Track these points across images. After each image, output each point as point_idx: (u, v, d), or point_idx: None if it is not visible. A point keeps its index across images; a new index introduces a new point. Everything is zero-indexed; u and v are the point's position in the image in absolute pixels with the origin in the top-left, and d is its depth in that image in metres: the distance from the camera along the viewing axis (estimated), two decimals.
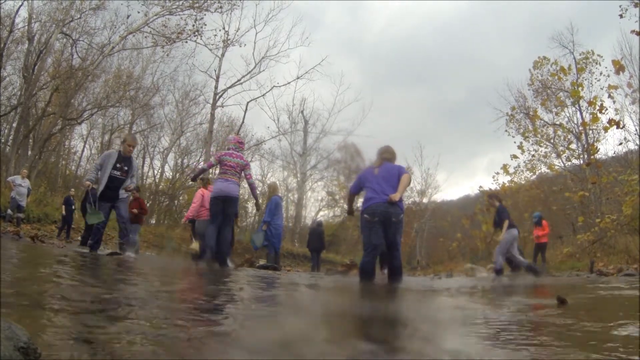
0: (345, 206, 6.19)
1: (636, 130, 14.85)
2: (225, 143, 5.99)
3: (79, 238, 10.56)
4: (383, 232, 3.92)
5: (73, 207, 10.62)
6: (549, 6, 33.40)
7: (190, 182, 12.70)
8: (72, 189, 11.94)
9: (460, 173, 48.05)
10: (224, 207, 5.29)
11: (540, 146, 18.15)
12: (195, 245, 7.27)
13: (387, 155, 4.37)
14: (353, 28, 45.68)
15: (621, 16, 12.66)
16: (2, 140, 17.08)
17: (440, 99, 45.04)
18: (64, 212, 10.39)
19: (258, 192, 8.44)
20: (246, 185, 6.04)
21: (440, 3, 46.44)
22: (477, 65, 43.31)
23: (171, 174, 23.56)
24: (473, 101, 45.70)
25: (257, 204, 6.31)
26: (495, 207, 7.33)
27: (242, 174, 5.48)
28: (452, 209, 27.76)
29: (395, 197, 3.90)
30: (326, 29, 44.21)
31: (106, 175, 5.42)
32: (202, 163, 5.93)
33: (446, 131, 42.69)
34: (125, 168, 5.49)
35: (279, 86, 20.10)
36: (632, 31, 12.55)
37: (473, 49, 45.56)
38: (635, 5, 12.15)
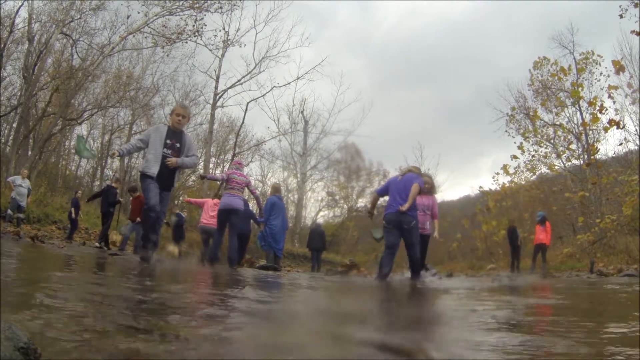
0: (364, 206, 7.29)
1: (636, 130, 14.86)
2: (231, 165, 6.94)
3: (76, 239, 10.57)
4: (400, 235, 4.79)
5: (79, 210, 10.62)
6: (557, 7, 33.34)
7: (199, 179, 13.76)
8: (79, 192, 11.91)
9: (465, 173, 48.05)
10: (230, 218, 6.01)
11: (541, 146, 18.19)
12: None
13: (412, 169, 5.27)
14: (361, 27, 45.69)
15: (621, 16, 12.69)
16: (2, 141, 17.10)
17: (446, 99, 45.01)
18: (74, 215, 10.26)
19: (259, 192, 9.19)
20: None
21: (449, 3, 46.38)
22: (484, 66, 43.30)
23: None
24: (479, 101, 45.75)
25: (260, 214, 7.20)
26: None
27: (247, 189, 6.40)
28: (452, 209, 27.71)
29: (404, 207, 4.68)
30: (336, 28, 44.29)
31: (159, 154, 4.45)
32: (221, 175, 6.80)
33: (452, 131, 42.67)
34: (178, 145, 4.57)
35: (279, 86, 20.10)
36: (632, 31, 12.57)
37: (481, 50, 45.53)
38: (635, 6, 12.17)
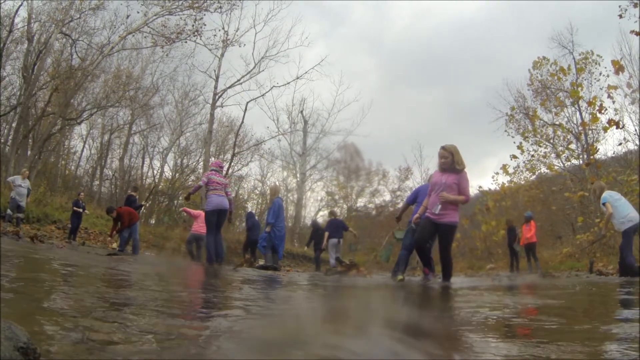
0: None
1: (635, 130, 14.87)
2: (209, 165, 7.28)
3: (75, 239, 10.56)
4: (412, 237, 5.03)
5: (81, 210, 10.64)
6: (568, 6, 33.11)
7: (183, 201, 13.78)
8: (82, 193, 11.92)
9: (471, 173, 47.62)
10: (219, 218, 6.24)
11: (540, 146, 18.17)
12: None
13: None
14: (375, 26, 45.57)
15: (621, 16, 12.70)
16: (2, 140, 17.07)
17: (456, 99, 44.66)
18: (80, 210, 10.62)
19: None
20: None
21: (461, 3, 46.15)
22: (495, 66, 43.04)
23: (171, 174, 23.56)
24: (489, 102, 45.47)
25: (230, 217, 6.88)
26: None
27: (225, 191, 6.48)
28: None
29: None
30: (350, 27, 44.29)
31: None
32: (200, 182, 6.77)
33: (460, 131, 42.33)
34: None
35: (279, 86, 20.05)
36: (632, 31, 12.58)
37: (493, 50, 45.24)
38: (635, 6, 12.18)
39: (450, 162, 4.37)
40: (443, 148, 4.45)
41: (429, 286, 4.41)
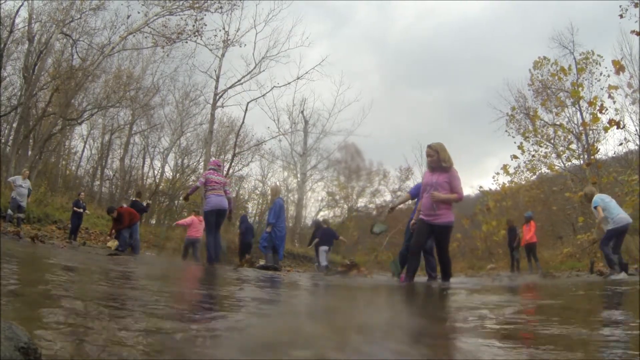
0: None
1: (636, 130, 14.86)
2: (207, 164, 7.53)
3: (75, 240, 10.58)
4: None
5: (82, 210, 10.65)
6: (570, 6, 33.08)
7: (183, 201, 14.80)
8: (82, 193, 11.92)
9: (473, 173, 47.76)
10: (217, 218, 6.21)
11: (541, 146, 18.16)
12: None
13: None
14: (378, 26, 45.70)
15: (621, 16, 12.70)
16: (3, 141, 17.09)
17: (458, 99, 44.63)
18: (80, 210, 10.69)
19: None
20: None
21: (466, 3, 46.20)
22: (495, 66, 43.12)
23: (171, 174, 23.58)
24: (490, 101, 45.54)
25: (230, 216, 6.83)
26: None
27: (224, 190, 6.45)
28: None
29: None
30: (354, 27, 44.48)
31: None
32: (197, 182, 6.70)
33: (461, 131, 42.26)
34: None
35: (280, 86, 20.01)
36: (632, 31, 12.58)
37: (496, 50, 45.30)
38: (636, 6, 12.17)
39: (437, 160, 4.24)
40: (429, 147, 4.34)
41: (430, 287, 4.40)
